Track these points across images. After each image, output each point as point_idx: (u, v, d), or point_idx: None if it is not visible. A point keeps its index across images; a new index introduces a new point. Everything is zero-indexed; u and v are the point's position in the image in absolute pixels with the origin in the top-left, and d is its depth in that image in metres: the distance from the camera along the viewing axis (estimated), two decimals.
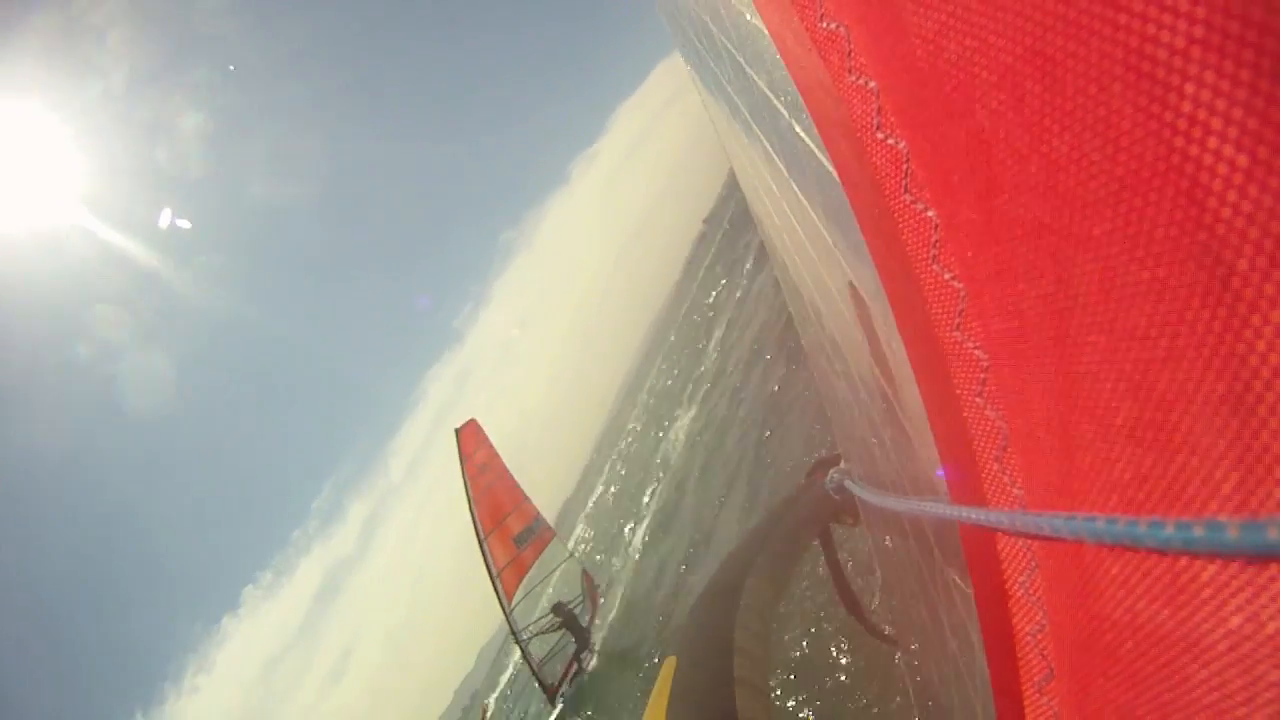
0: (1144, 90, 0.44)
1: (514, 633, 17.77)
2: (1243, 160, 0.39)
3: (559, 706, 17.58)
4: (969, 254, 0.84)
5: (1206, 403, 0.45)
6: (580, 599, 18.38)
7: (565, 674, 17.63)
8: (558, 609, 18.05)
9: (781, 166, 1.63)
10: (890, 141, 0.99)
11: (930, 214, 0.94)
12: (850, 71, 1.03)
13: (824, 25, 1.05)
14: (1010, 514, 0.66)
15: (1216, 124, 0.40)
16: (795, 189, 1.56)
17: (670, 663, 1.88)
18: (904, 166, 0.97)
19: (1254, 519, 0.37)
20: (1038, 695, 0.94)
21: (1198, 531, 0.40)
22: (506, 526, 18.99)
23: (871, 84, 0.99)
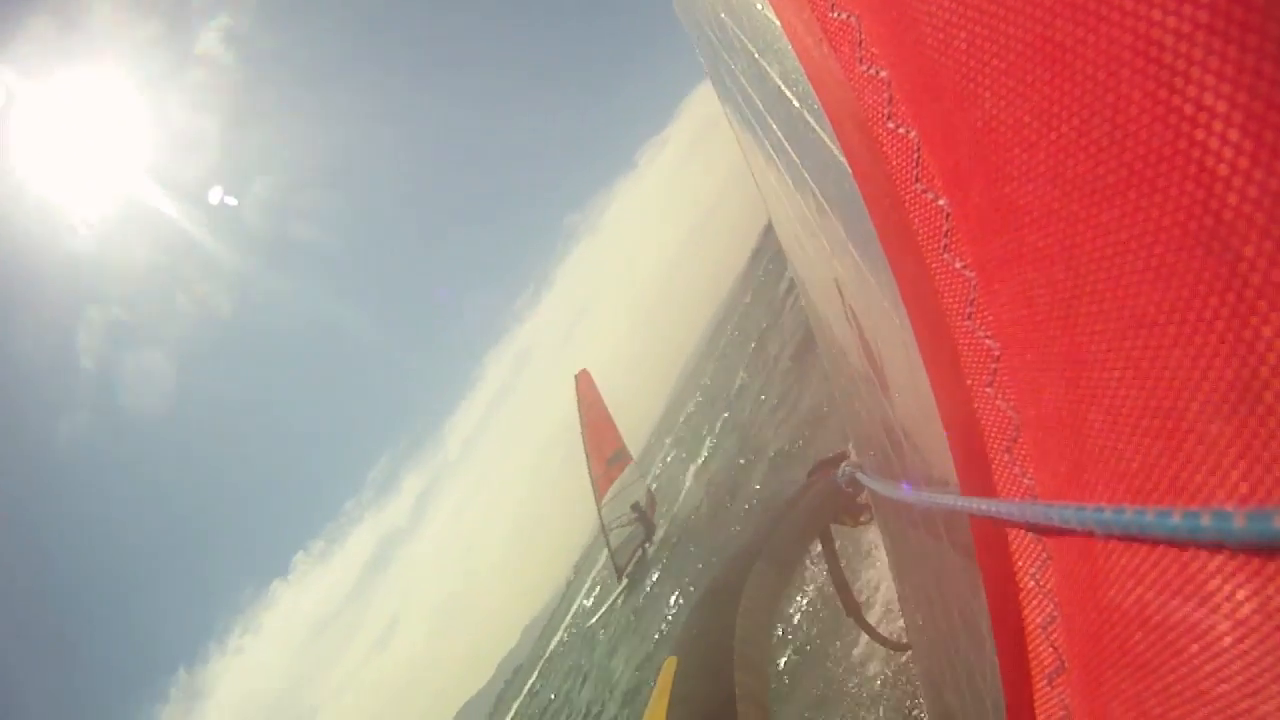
0: (1152, 76, 0.44)
1: (602, 521, 25.64)
2: (1250, 145, 0.38)
3: (624, 581, 24.79)
4: (980, 242, 0.84)
5: (1214, 390, 0.45)
6: (645, 505, 25.84)
7: (632, 555, 25.09)
8: (635, 507, 25.75)
9: (795, 158, 1.63)
10: (901, 131, 0.98)
11: (941, 203, 0.93)
12: (861, 61, 1.03)
13: (835, 15, 1.05)
14: (1020, 505, 0.66)
15: (1224, 109, 0.39)
16: (809, 180, 1.56)
17: (670, 663, 1.88)
18: (915, 155, 0.97)
19: (1261, 508, 0.37)
20: (1048, 687, 0.93)
21: (1205, 521, 0.39)
22: (603, 450, 26.70)
23: (883, 73, 0.99)
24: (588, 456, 26.32)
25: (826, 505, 2.37)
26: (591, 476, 26.29)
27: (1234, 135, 0.39)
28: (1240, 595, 0.45)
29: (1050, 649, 0.92)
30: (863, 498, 2.35)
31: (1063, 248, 0.61)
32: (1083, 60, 0.50)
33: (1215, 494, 0.46)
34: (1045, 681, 0.94)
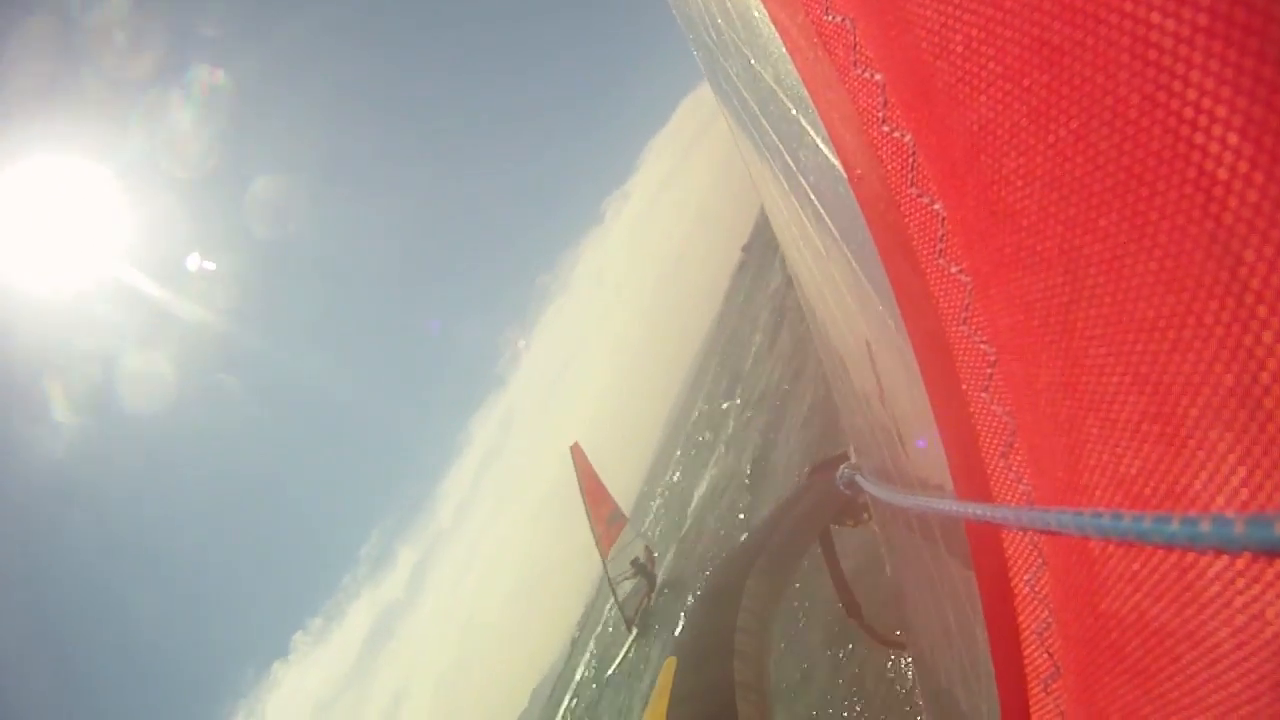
0: (1150, 79, 0.43)
1: (608, 577, 27.33)
2: (1249, 149, 0.38)
3: (634, 631, 26.10)
4: (975, 246, 0.83)
5: (1214, 395, 0.45)
6: (644, 560, 27.73)
7: (638, 607, 26.43)
8: (634, 562, 27.15)
9: (790, 161, 1.62)
10: (896, 134, 0.98)
11: (936, 207, 0.93)
12: (855, 64, 1.02)
13: (829, 18, 1.05)
14: (1016, 510, 0.66)
15: (1223, 112, 0.39)
16: (803, 184, 1.56)
17: (670, 664, 1.87)
18: (910, 159, 0.96)
19: (1261, 514, 0.37)
20: (1043, 693, 0.93)
21: (1204, 527, 0.39)
22: (601, 511, 28.74)
23: (877, 76, 0.99)
24: (590, 519, 28.12)
25: (826, 506, 2.37)
26: (595, 536, 28.47)
27: (1233, 139, 0.39)
28: (1239, 602, 0.45)
29: (1046, 655, 0.91)
30: (863, 498, 2.34)
31: (1060, 252, 0.60)
32: (1080, 63, 0.50)
33: (1215, 500, 0.46)
34: (1041, 687, 0.94)
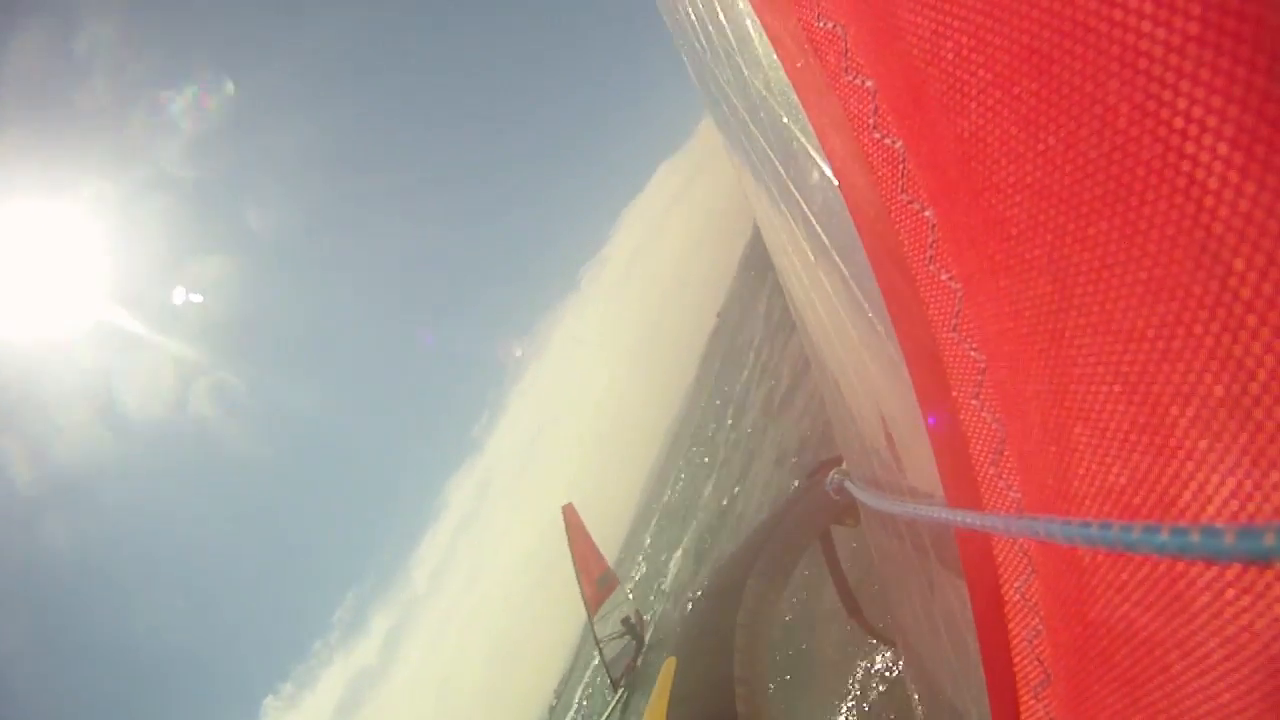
0: (1140, 88, 0.43)
1: (595, 638, 26.76)
2: (1239, 158, 0.38)
3: (621, 690, 25.39)
4: (966, 254, 0.83)
5: (1203, 405, 0.44)
6: (634, 621, 27.27)
7: (627, 668, 25.78)
8: (625, 621, 26.69)
9: (779, 167, 1.62)
10: (887, 141, 0.98)
11: (927, 214, 0.93)
12: (847, 71, 1.02)
13: (821, 24, 1.04)
14: (1005, 518, 0.66)
15: (1213, 121, 0.39)
16: (793, 190, 1.55)
17: (670, 664, 1.86)
18: (900, 166, 0.96)
19: (1251, 525, 0.37)
20: (1034, 700, 0.93)
21: (1194, 538, 0.39)
22: (591, 572, 28.22)
23: (868, 83, 0.99)
24: (579, 581, 28.21)
25: (826, 506, 2.36)
26: (583, 597, 28.56)
27: (1223, 148, 0.39)
28: (1228, 613, 0.45)
29: (1036, 662, 0.91)
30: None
31: (1050, 260, 0.60)
32: (1070, 71, 0.50)
33: (1204, 510, 0.46)
34: (1031, 695, 0.93)
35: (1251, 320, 0.40)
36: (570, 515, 29.28)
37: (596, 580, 28.85)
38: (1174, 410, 0.47)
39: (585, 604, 28.17)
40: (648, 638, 27.43)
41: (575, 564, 28.46)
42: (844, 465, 2.28)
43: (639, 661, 26.35)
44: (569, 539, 28.66)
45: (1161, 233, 0.45)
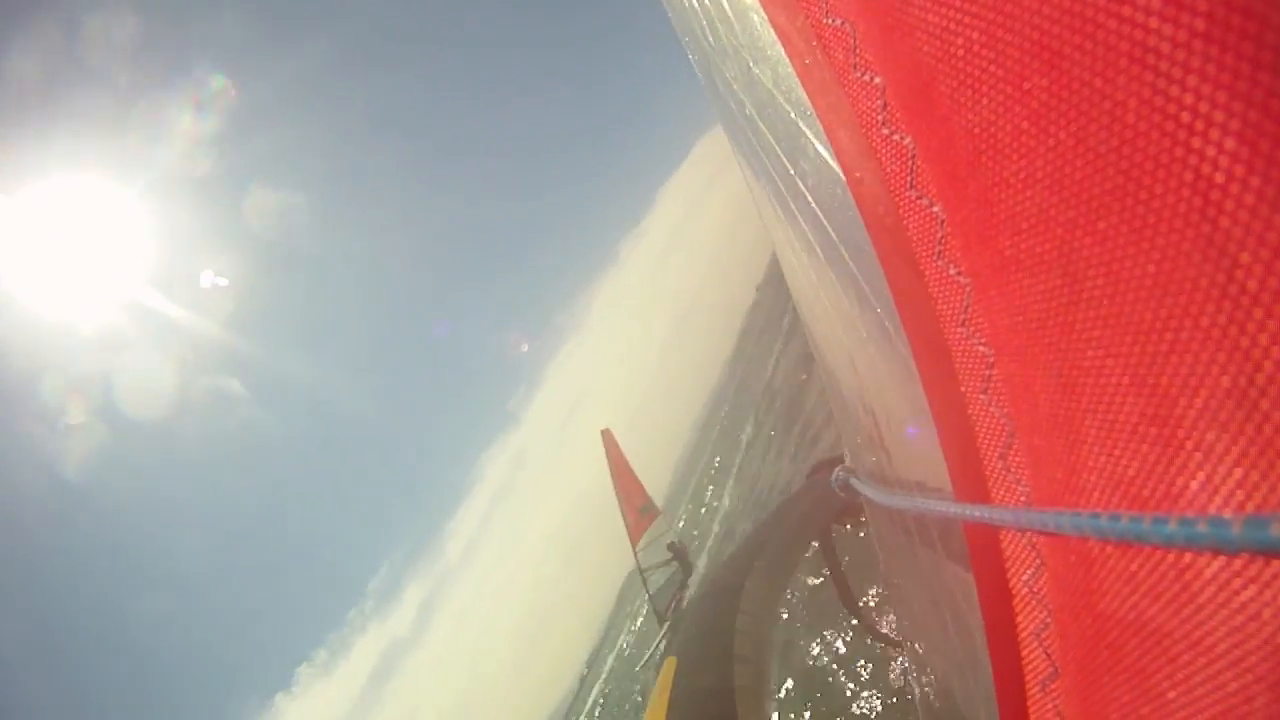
0: (1148, 83, 0.44)
1: (639, 565, 23.92)
2: (1246, 152, 0.38)
3: (666, 624, 22.62)
4: (974, 249, 0.84)
5: (1211, 397, 0.45)
6: (679, 548, 25.00)
7: (671, 599, 23.01)
8: (671, 546, 24.25)
9: (787, 163, 1.62)
10: (896, 137, 0.98)
11: (936, 209, 0.93)
12: (855, 68, 1.02)
13: (829, 21, 1.05)
14: (1014, 511, 0.66)
15: (1221, 117, 0.39)
16: (801, 186, 1.55)
17: (670, 664, 1.87)
18: (910, 162, 0.96)
19: (1258, 515, 0.37)
20: (1041, 694, 0.93)
21: (1201, 528, 0.39)
22: (633, 501, 25.54)
23: (877, 79, 0.99)
24: (620, 505, 25.63)
25: (827, 506, 2.37)
26: (626, 524, 25.51)
27: (1231, 143, 0.39)
28: (1237, 603, 0.45)
29: (1044, 655, 0.92)
30: (860, 500, 2.33)
31: (1058, 254, 0.61)
32: (1079, 67, 0.50)
33: (1212, 501, 0.46)
34: (1039, 687, 0.94)
35: (1258, 313, 0.40)
36: (609, 440, 26.98)
37: (639, 509, 26.54)
38: (1182, 402, 0.48)
39: (627, 530, 25.53)
40: (699, 566, 26.75)
41: (616, 489, 26.20)
42: (847, 462, 2.28)
43: (686, 594, 24.15)
44: (609, 462, 26.43)
45: (1170, 227, 0.46)
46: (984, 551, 0.97)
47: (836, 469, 2.21)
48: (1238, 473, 0.45)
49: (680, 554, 24.29)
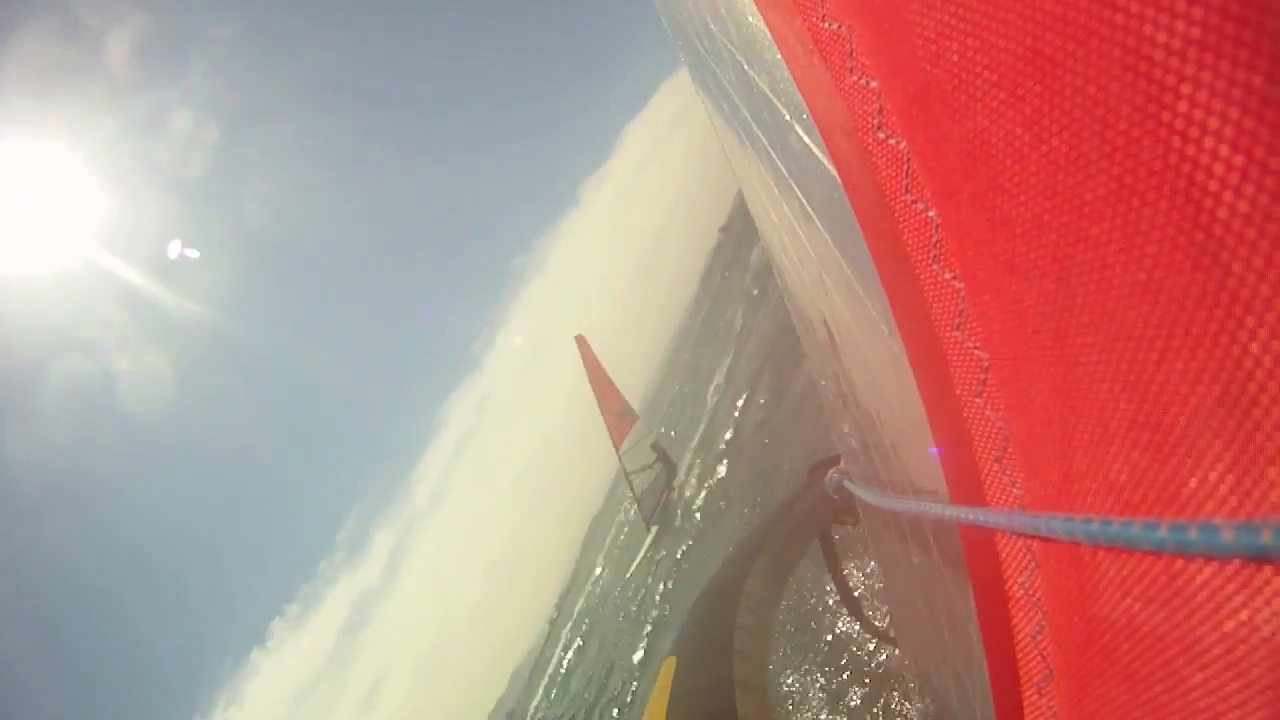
0: (1142, 90, 0.44)
1: (624, 468, 27.23)
2: (1239, 160, 0.39)
3: (654, 529, 25.52)
4: (969, 254, 0.84)
5: (1203, 403, 0.45)
6: (663, 449, 27.52)
7: (657, 501, 26.03)
8: (655, 446, 27.13)
9: (782, 168, 1.62)
10: (891, 141, 0.98)
11: (931, 214, 0.94)
12: (851, 72, 1.03)
13: (826, 25, 1.05)
14: (1008, 514, 0.66)
15: (1213, 124, 0.40)
16: (796, 190, 1.56)
17: (669, 664, 1.87)
18: (905, 166, 0.97)
19: (1249, 521, 0.37)
20: (1037, 696, 0.93)
21: (1192, 534, 0.39)
22: (611, 405, 28.42)
23: (873, 84, 0.99)
24: (600, 407, 28.19)
25: (826, 506, 2.36)
26: (607, 426, 28.43)
27: (1222, 149, 0.40)
28: (1227, 608, 0.45)
29: (1039, 657, 0.92)
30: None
31: (1053, 260, 0.61)
32: (1073, 73, 0.51)
33: (1204, 506, 0.47)
34: (1034, 690, 0.94)
35: (1250, 320, 0.41)
36: (583, 345, 29.09)
37: (617, 413, 28.78)
38: (1174, 408, 0.48)
39: (610, 433, 28.06)
40: (682, 469, 26.98)
41: (595, 393, 28.22)
42: (842, 464, 2.28)
43: (672, 495, 26.18)
44: (585, 367, 28.53)
45: (1163, 233, 0.46)
46: (979, 554, 0.97)
47: (830, 472, 2.22)
48: (1230, 478, 0.45)
49: (663, 455, 27.12)
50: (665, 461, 26.94)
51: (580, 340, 29.13)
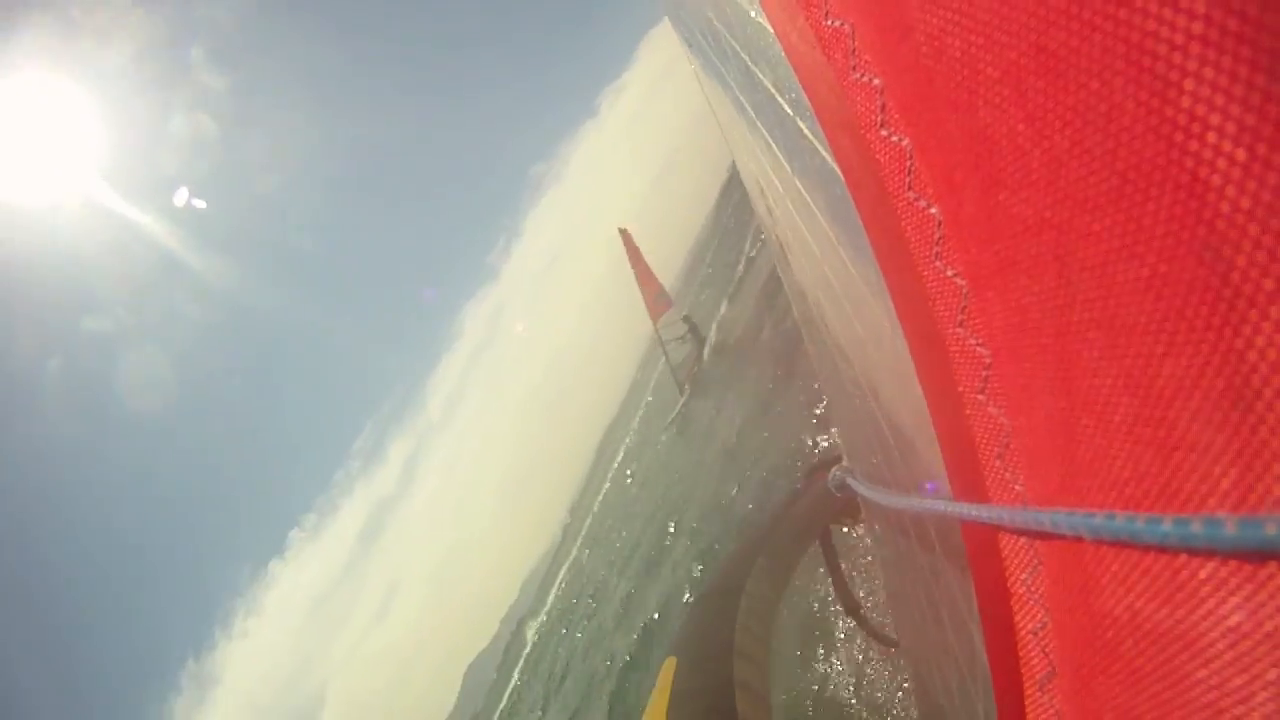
0: (1145, 86, 0.44)
1: (660, 337, 31.55)
2: (1242, 156, 0.39)
3: (687, 391, 29.49)
4: (971, 250, 0.84)
5: (1205, 398, 0.45)
6: (693, 322, 31.38)
7: (691, 369, 29.76)
8: (686, 319, 31.06)
9: (785, 164, 1.63)
10: (894, 139, 0.98)
11: (933, 211, 0.93)
12: (855, 69, 1.03)
13: (829, 23, 1.05)
14: (1010, 510, 0.66)
15: (1216, 120, 0.40)
16: (799, 187, 1.56)
17: (670, 663, 1.87)
18: (907, 163, 0.96)
19: (1252, 515, 0.37)
20: (1039, 693, 0.93)
21: (1195, 528, 0.40)
22: (650, 286, 32.40)
23: (876, 81, 0.99)
24: (640, 286, 32.29)
25: (827, 505, 2.36)
26: (646, 302, 32.47)
27: (1227, 146, 0.40)
28: (1231, 602, 0.45)
29: (1042, 654, 0.92)
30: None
31: (1055, 256, 0.61)
32: (1076, 69, 0.51)
33: (1206, 501, 0.47)
34: (1037, 687, 0.94)
35: (1253, 315, 0.41)
36: (627, 239, 32.85)
37: (655, 294, 32.82)
38: (1176, 404, 0.48)
39: (648, 308, 32.07)
40: (709, 339, 30.43)
41: (637, 277, 32.32)
42: (845, 461, 2.28)
43: (703, 360, 30.03)
44: (628, 255, 32.51)
45: (1166, 229, 0.46)
46: (982, 551, 0.97)
47: (833, 469, 2.21)
48: (1233, 473, 0.45)
49: (693, 327, 30.97)
50: (694, 333, 30.45)
51: (624, 233, 32.29)
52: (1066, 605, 0.77)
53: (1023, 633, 0.94)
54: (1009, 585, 0.94)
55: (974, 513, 0.78)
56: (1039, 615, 0.91)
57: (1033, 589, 0.90)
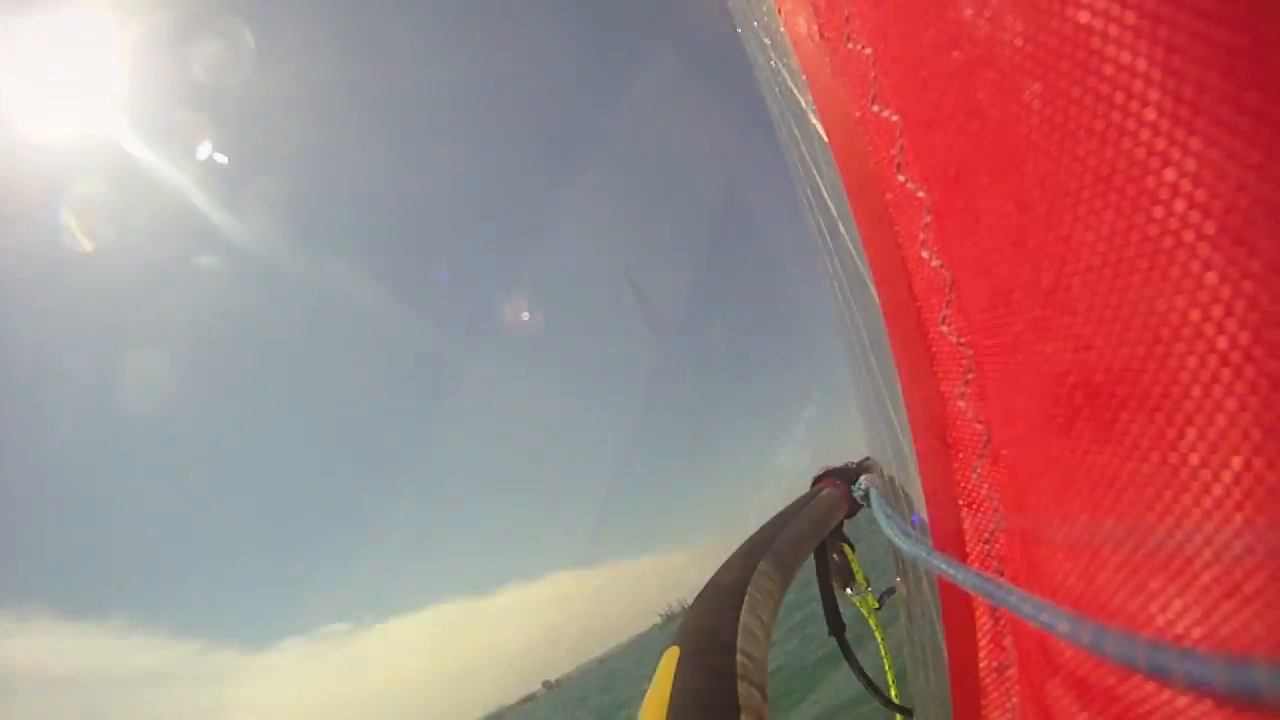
0: (1139, 75, 0.39)
1: None
2: (1240, 149, 0.34)
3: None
4: (958, 240, 0.79)
5: (1185, 407, 0.41)
6: None
7: None
8: None
9: (798, 134, 1.60)
10: (885, 114, 0.92)
11: (921, 194, 0.87)
12: (848, 39, 0.97)
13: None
14: (981, 577, 0.60)
15: (1203, 122, 0.36)
16: (811, 166, 1.53)
17: (672, 653, 1.85)
18: (897, 140, 0.90)
19: (1242, 656, 0.29)
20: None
21: (1171, 658, 0.31)
22: None
23: (867, 50, 0.93)
24: None
25: (832, 515, 2.36)
26: None
27: (1211, 152, 0.36)
28: None
29: (1005, 693, 0.88)
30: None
31: (1041, 252, 0.55)
32: (1068, 59, 0.45)
33: (1199, 504, 0.40)
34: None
35: (1231, 325, 0.37)
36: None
37: None
38: (1159, 411, 0.43)
39: None
40: None
41: None
42: (873, 474, 2.24)
43: None
44: None
45: (1160, 228, 0.41)
46: (954, 605, 0.94)
47: (861, 478, 2.19)
48: (1226, 474, 0.39)
49: None
50: None
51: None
52: (1033, 693, 0.72)
53: (984, 669, 0.90)
54: (976, 621, 0.91)
55: (944, 567, 0.72)
56: (1003, 656, 0.87)
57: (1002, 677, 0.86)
